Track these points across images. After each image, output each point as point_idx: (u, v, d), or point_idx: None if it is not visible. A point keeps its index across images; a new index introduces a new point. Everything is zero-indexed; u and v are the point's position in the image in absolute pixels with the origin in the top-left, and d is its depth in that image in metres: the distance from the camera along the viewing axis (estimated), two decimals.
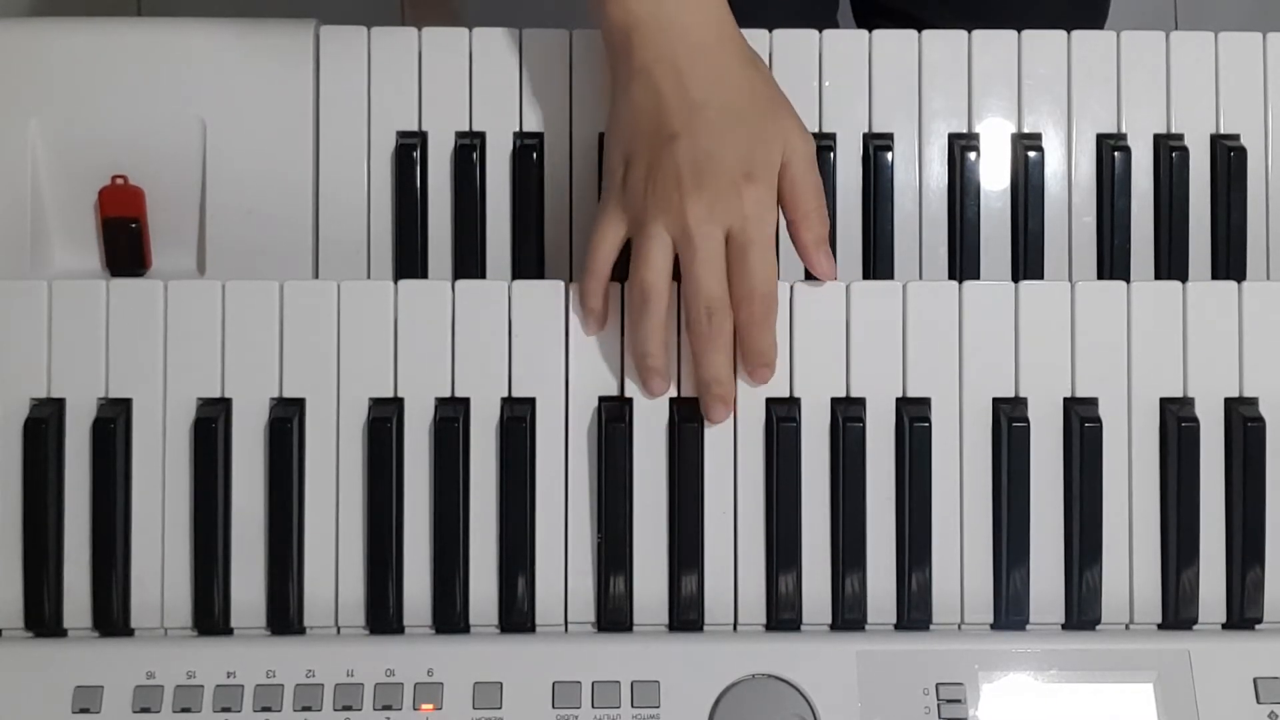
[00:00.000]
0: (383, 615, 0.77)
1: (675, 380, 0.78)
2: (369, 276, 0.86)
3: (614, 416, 0.78)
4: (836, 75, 0.87)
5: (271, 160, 0.86)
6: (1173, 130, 0.88)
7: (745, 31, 0.85)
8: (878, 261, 0.86)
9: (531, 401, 0.78)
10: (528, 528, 0.77)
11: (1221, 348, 0.79)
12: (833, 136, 0.86)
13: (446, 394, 0.78)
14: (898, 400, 0.79)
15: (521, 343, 0.78)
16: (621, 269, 0.78)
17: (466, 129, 0.86)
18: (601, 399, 0.78)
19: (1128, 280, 0.81)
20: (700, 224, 0.75)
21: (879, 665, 0.75)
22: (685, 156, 0.76)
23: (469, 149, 0.86)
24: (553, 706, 0.74)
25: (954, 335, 0.79)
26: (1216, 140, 0.87)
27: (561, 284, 0.79)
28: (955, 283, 0.79)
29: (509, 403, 0.78)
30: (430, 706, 0.74)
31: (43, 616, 0.77)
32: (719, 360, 0.77)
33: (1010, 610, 0.78)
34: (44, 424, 0.77)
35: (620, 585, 0.77)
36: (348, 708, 0.74)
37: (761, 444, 0.78)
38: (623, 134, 0.79)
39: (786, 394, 0.78)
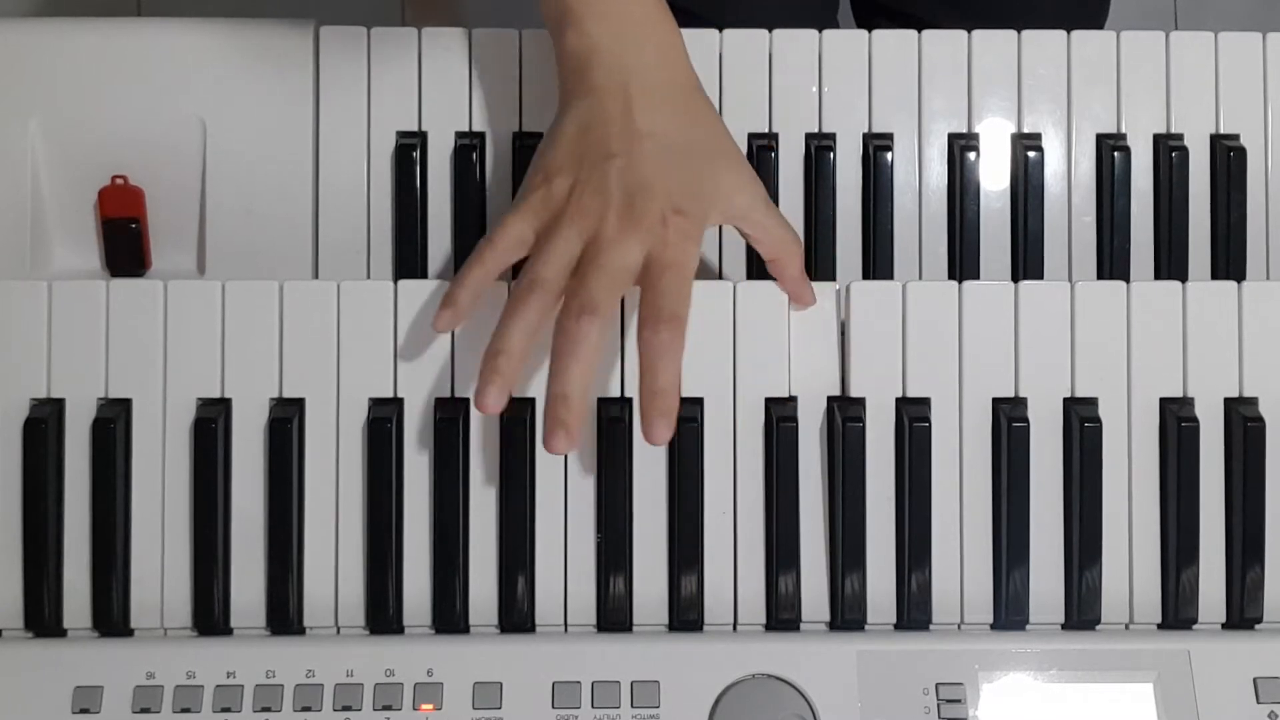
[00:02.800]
0: (382, 615, 0.77)
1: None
2: (369, 276, 0.86)
3: (614, 416, 0.78)
4: (836, 75, 0.87)
5: (271, 160, 0.86)
6: (1173, 130, 0.87)
7: (745, 32, 0.86)
8: (878, 261, 0.86)
9: (531, 402, 0.78)
10: (527, 528, 0.77)
11: (1221, 348, 0.79)
12: (833, 136, 0.86)
13: (446, 394, 0.78)
14: (897, 400, 0.79)
15: None
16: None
17: (466, 129, 0.86)
18: (600, 399, 0.78)
19: (1128, 280, 0.81)
20: (617, 236, 0.72)
21: (879, 665, 0.75)
22: (618, 179, 0.73)
23: (469, 149, 0.86)
24: (553, 706, 0.74)
25: (954, 335, 0.79)
26: (1216, 140, 0.87)
27: None
28: (955, 283, 0.79)
29: (508, 403, 0.78)
30: (430, 706, 0.74)
31: (43, 616, 0.77)
32: (575, 373, 0.71)
33: (1010, 610, 0.78)
34: (44, 424, 0.77)
35: (620, 585, 0.77)
36: (347, 708, 0.74)
37: (761, 444, 0.78)
38: (553, 150, 0.75)
39: (786, 394, 0.79)
